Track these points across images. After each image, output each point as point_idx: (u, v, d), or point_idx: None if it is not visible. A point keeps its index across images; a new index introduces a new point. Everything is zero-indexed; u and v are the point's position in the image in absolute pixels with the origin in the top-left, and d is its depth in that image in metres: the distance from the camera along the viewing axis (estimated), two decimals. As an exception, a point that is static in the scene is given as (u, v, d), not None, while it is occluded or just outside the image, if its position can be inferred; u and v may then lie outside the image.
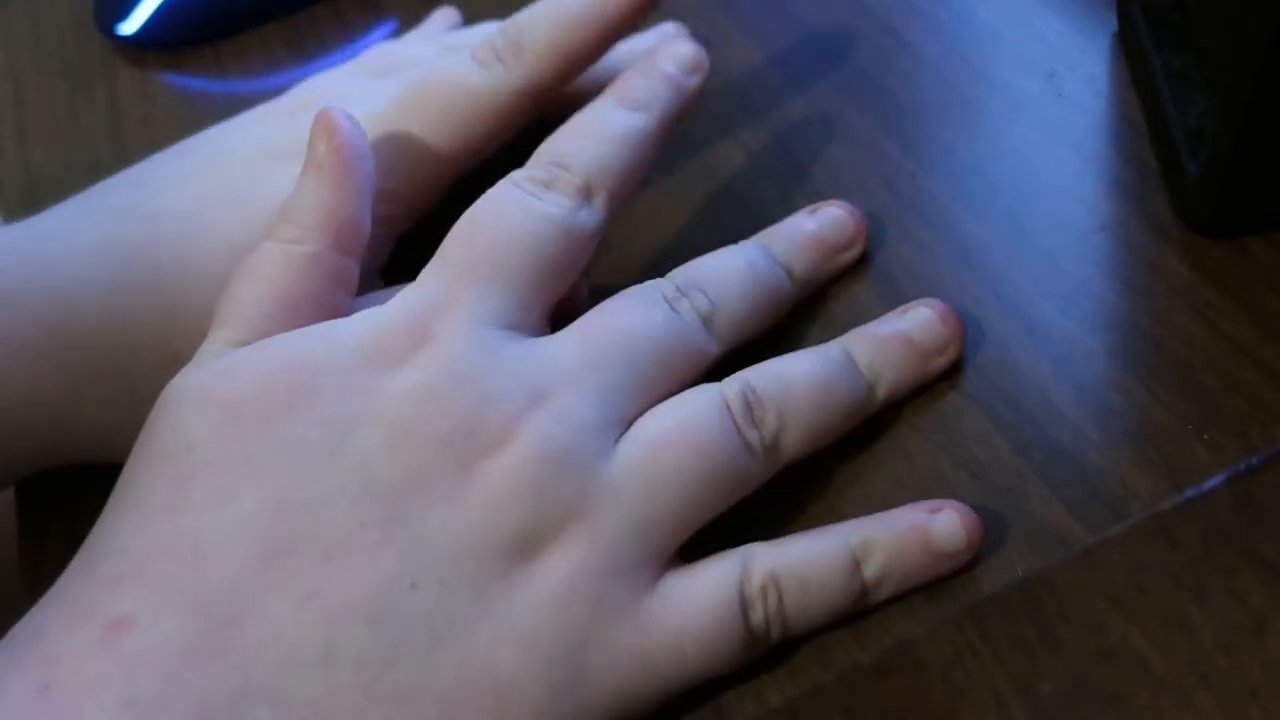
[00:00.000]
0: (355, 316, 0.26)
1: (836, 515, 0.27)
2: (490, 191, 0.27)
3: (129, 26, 0.44)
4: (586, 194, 0.27)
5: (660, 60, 0.30)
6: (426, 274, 0.26)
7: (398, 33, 0.43)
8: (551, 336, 0.26)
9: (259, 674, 0.22)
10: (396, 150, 0.30)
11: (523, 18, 0.32)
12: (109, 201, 0.31)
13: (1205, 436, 0.26)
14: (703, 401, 0.25)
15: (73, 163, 0.41)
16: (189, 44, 0.45)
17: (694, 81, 0.30)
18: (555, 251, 0.26)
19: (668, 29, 0.38)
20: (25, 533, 0.32)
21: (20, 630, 0.22)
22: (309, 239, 0.27)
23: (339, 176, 0.27)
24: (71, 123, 0.43)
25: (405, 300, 0.26)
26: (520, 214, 0.26)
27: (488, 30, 0.37)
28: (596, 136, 0.28)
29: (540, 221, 0.26)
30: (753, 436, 0.25)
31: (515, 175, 0.27)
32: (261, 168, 0.31)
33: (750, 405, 0.25)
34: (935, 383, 0.28)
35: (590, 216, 0.27)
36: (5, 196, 0.41)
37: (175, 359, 0.29)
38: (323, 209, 0.27)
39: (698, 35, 0.38)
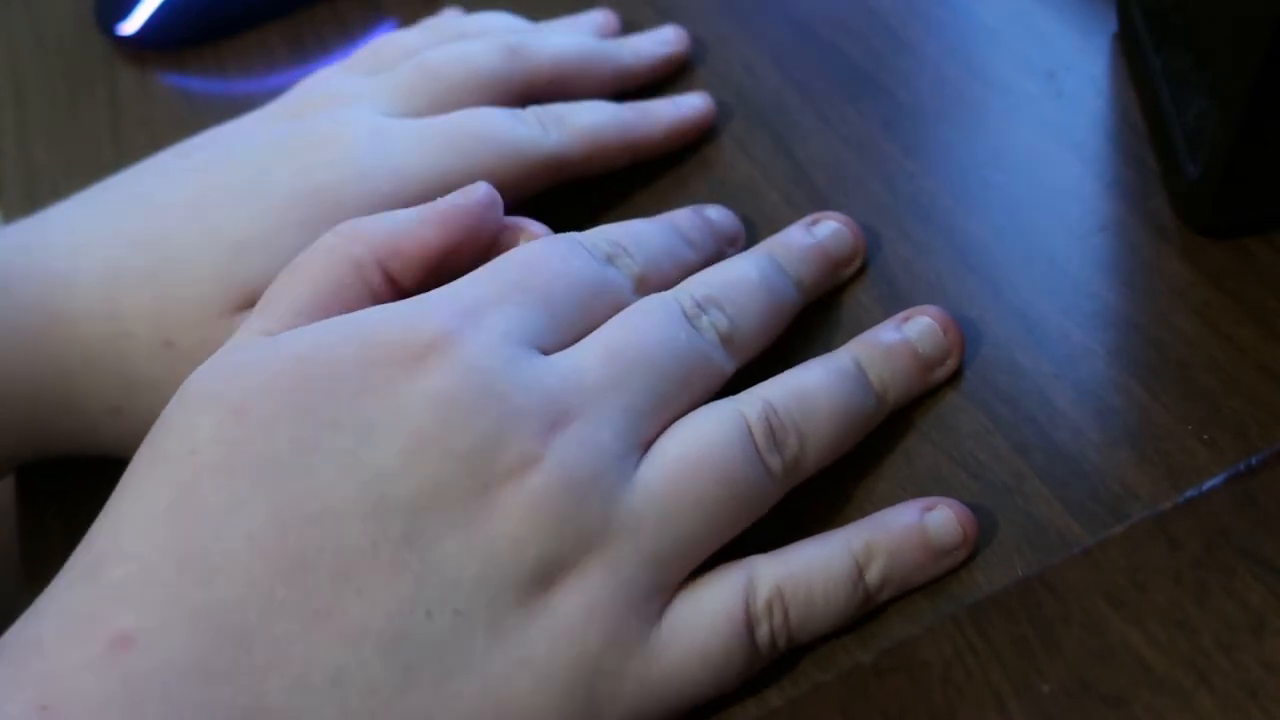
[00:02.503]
0: (379, 309, 0.25)
1: (836, 515, 0.27)
2: (552, 238, 0.27)
3: (129, 26, 0.45)
4: (640, 284, 0.28)
5: (711, 213, 0.32)
6: (472, 280, 0.26)
7: (398, 33, 0.43)
8: (572, 350, 0.25)
9: (267, 697, 0.21)
10: (429, 175, 0.31)
11: (567, 105, 0.34)
12: (112, 195, 0.32)
13: (1205, 436, 0.26)
14: (727, 425, 0.25)
15: (73, 162, 0.41)
16: (189, 44, 0.45)
17: (732, 251, 0.31)
18: (600, 311, 0.26)
19: (666, 34, 0.38)
20: (25, 530, 0.32)
21: (17, 639, 0.22)
22: (362, 244, 0.26)
23: (435, 222, 0.27)
24: (71, 123, 0.43)
25: (437, 300, 0.25)
26: (582, 266, 0.27)
27: (486, 25, 0.37)
28: (653, 245, 0.29)
29: (599, 279, 0.27)
30: (774, 462, 0.25)
31: (578, 236, 0.28)
32: (265, 164, 0.30)
33: (773, 429, 0.25)
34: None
35: (634, 302, 0.27)
36: (5, 196, 0.41)
37: (168, 346, 0.29)
38: (394, 230, 0.27)
39: (697, 36, 0.39)
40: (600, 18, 0.39)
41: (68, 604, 0.22)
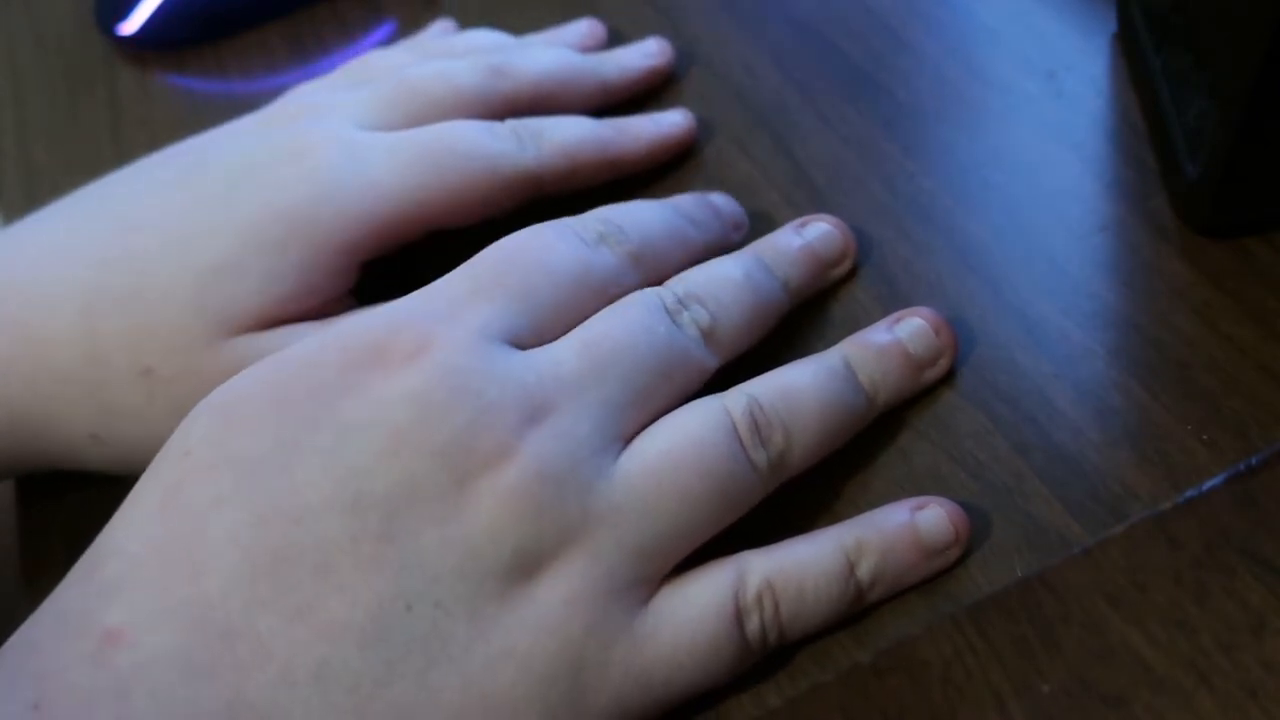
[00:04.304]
0: (356, 314, 0.25)
1: (832, 514, 0.27)
2: (541, 226, 0.27)
3: (129, 26, 0.45)
4: (635, 261, 0.27)
5: (715, 199, 0.31)
6: (451, 279, 0.26)
7: (397, 33, 0.43)
8: (550, 345, 0.25)
9: (251, 691, 0.21)
10: (401, 192, 0.30)
11: (545, 120, 0.33)
12: (87, 209, 0.31)
13: (1205, 436, 0.26)
14: (709, 419, 0.25)
15: (73, 162, 0.41)
16: (189, 44, 0.45)
17: (737, 236, 0.31)
18: (587, 300, 0.26)
19: (650, 46, 0.38)
20: (25, 531, 0.32)
21: (16, 641, 0.22)
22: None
23: None
24: (71, 123, 0.43)
25: (415, 302, 0.25)
26: (567, 253, 0.26)
27: (472, 43, 0.37)
28: (652, 222, 0.29)
29: (585, 268, 0.26)
30: (759, 456, 0.25)
31: (569, 221, 0.28)
32: (237, 179, 0.30)
33: (757, 424, 0.25)
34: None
35: (631, 281, 0.27)
36: (5, 196, 0.41)
37: (146, 373, 0.29)
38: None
39: (697, 36, 0.39)
40: (586, 28, 0.39)
41: (64, 603, 0.22)
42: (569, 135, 0.33)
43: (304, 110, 0.33)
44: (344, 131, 0.31)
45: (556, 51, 0.36)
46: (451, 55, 0.35)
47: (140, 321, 0.29)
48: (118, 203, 0.31)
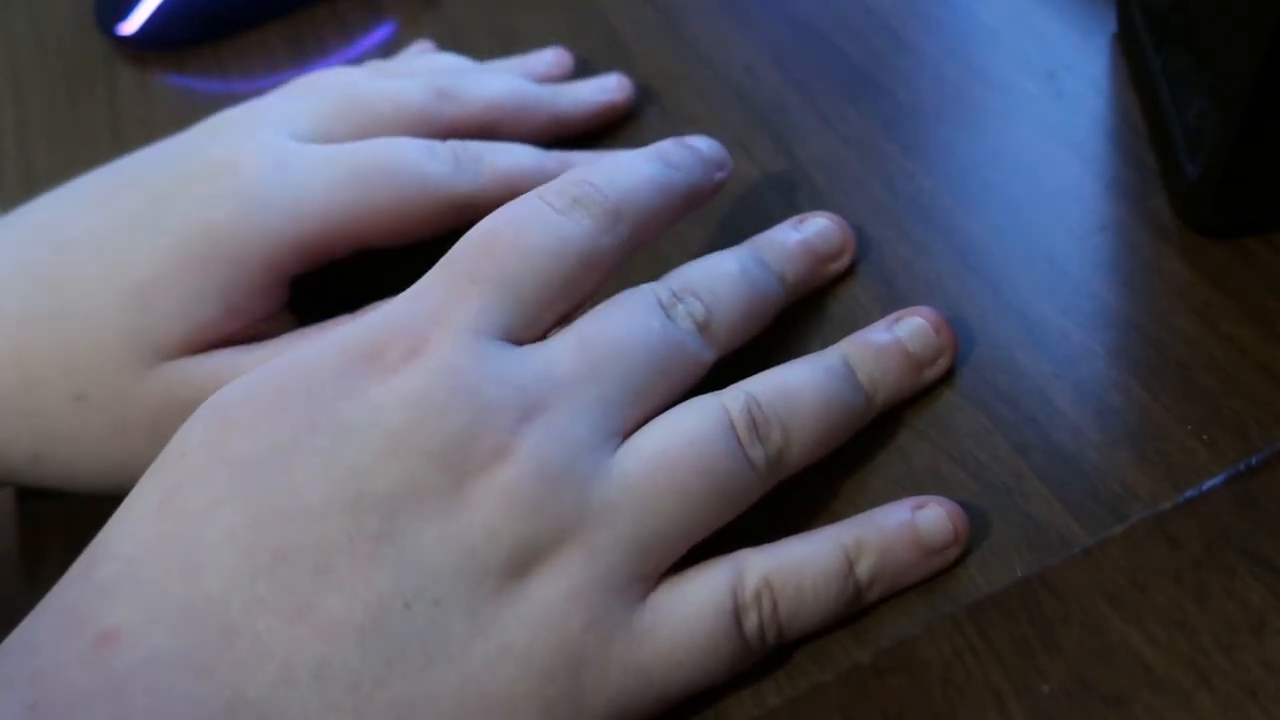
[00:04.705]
0: (352, 321, 0.25)
1: (831, 514, 0.27)
2: (511, 205, 0.26)
3: (129, 26, 0.45)
4: (614, 219, 0.27)
5: (694, 140, 0.30)
6: (430, 278, 0.26)
7: (397, 33, 0.43)
8: (546, 342, 0.25)
9: (250, 690, 0.21)
10: (329, 208, 0.30)
11: (488, 145, 0.32)
12: (25, 223, 0.31)
13: (1205, 436, 0.26)
14: (707, 417, 0.25)
15: (73, 163, 0.41)
16: (189, 44, 0.45)
17: (720, 175, 0.30)
18: (570, 273, 0.26)
19: (609, 82, 0.37)
20: (25, 535, 0.32)
21: (13, 641, 0.22)
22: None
23: None
24: (71, 123, 0.43)
25: (404, 305, 0.25)
26: (540, 230, 0.26)
27: (432, 65, 0.36)
28: (631, 172, 0.28)
29: (560, 240, 0.26)
30: (756, 454, 0.25)
31: (541, 189, 0.27)
32: (166, 195, 0.30)
33: (755, 421, 0.25)
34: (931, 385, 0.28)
35: (612, 243, 0.26)
36: (5, 196, 0.41)
37: (79, 399, 0.28)
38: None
39: (697, 35, 0.38)
40: (551, 57, 0.38)
41: (62, 602, 0.22)
42: (511, 163, 0.32)
43: (246, 119, 0.32)
44: (277, 142, 0.31)
45: (509, 79, 0.36)
46: (410, 75, 0.35)
47: (70, 343, 0.29)
48: (52, 221, 0.31)
